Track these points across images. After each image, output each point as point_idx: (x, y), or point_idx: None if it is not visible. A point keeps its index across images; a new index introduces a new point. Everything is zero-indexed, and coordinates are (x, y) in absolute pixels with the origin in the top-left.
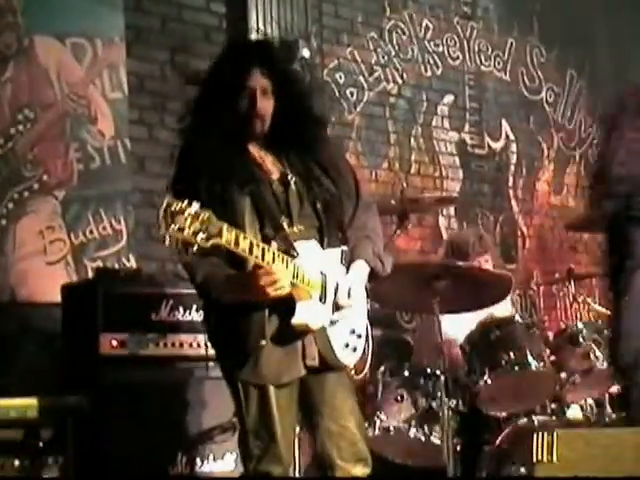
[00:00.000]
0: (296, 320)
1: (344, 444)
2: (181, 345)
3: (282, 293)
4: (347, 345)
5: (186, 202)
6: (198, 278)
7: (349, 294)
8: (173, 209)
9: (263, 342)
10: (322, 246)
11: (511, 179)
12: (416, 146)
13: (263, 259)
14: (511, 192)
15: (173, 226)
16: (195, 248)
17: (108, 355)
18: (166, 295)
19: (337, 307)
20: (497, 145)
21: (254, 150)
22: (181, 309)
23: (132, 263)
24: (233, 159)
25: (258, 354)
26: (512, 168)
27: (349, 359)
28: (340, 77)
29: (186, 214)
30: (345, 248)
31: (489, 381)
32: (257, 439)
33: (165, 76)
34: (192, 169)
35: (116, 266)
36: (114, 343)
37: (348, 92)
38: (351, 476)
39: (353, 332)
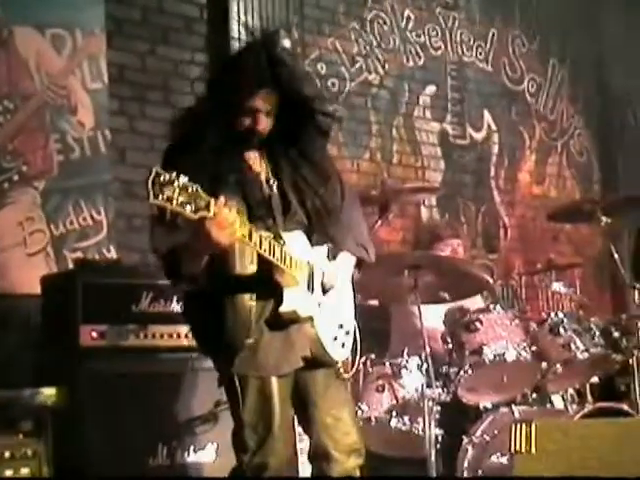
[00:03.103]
0: (284, 307)
1: (338, 435)
2: (162, 336)
3: (234, 239)
4: (336, 339)
5: (174, 174)
6: (163, 248)
7: (335, 276)
8: (162, 179)
9: (250, 340)
10: (310, 243)
11: (493, 169)
12: (398, 136)
13: (250, 239)
14: (493, 182)
15: (161, 196)
16: (179, 220)
17: (88, 346)
18: (147, 286)
19: (324, 292)
20: (479, 135)
21: (251, 155)
22: (162, 300)
23: (112, 254)
24: (225, 161)
25: (255, 345)
26: (494, 158)
27: (338, 354)
28: (322, 68)
29: (175, 185)
30: (331, 245)
31: (470, 371)
32: (254, 432)
33: (145, 67)
34: (181, 166)
35: (96, 257)
36: (94, 334)
37: (330, 83)
38: (347, 474)
39: (341, 327)
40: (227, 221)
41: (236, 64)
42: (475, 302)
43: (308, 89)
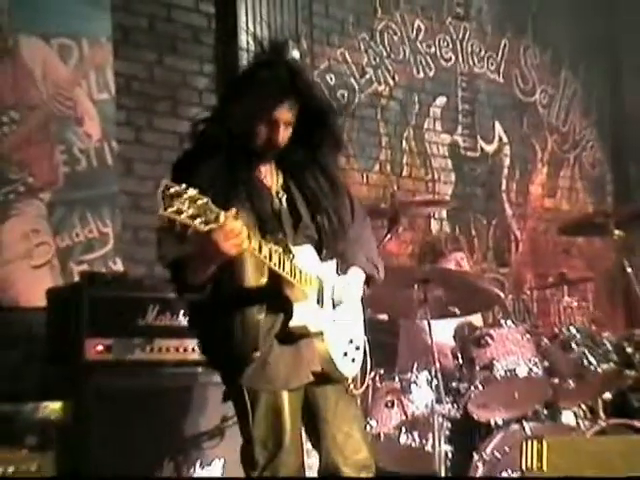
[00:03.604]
0: (294, 322)
1: (349, 451)
2: (168, 350)
3: (242, 250)
4: (346, 354)
5: (184, 185)
6: (169, 257)
7: (345, 291)
8: (172, 191)
9: (257, 353)
10: (320, 258)
11: (504, 182)
12: (408, 148)
13: (260, 251)
14: (504, 195)
15: (171, 208)
16: (189, 232)
17: (94, 360)
18: (153, 299)
19: (334, 307)
20: (490, 148)
21: (263, 168)
22: (168, 314)
23: (119, 266)
24: (238, 173)
25: (265, 359)
26: (505, 171)
27: (348, 370)
28: (331, 79)
29: (184, 197)
30: (341, 261)
31: (480, 387)
32: (264, 448)
33: (153, 77)
34: (192, 178)
35: (102, 270)
36: (100, 348)
37: (339, 94)
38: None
39: (351, 342)
40: (235, 232)
41: (255, 75)
42: (476, 317)
43: (326, 101)
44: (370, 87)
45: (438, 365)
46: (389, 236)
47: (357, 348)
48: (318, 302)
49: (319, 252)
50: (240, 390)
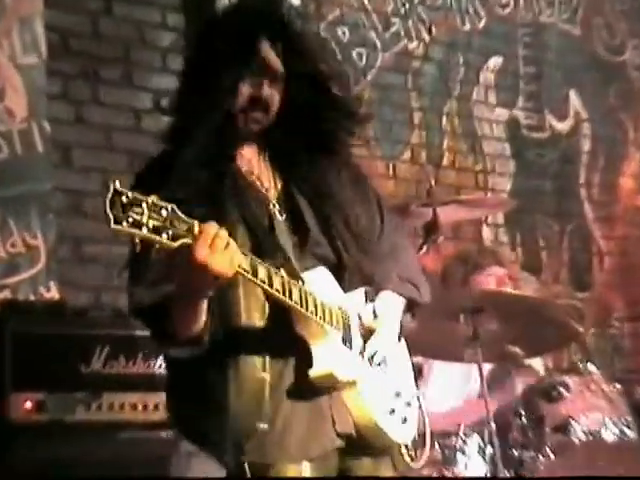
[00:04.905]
0: (316, 370)
1: None
2: (122, 408)
3: (232, 268)
4: (393, 412)
5: (140, 191)
6: (145, 301)
7: (380, 325)
8: (125, 198)
9: (263, 425)
10: (341, 287)
11: (583, 173)
12: (449, 129)
13: (255, 275)
14: (583, 191)
15: (125, 221)
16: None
17: (21, 422)
18: (101, 338)
19: (365, 339)
20: (563, 126)
21: (247, 155)
22: (122, 358)
23: (53, 293)
24: (217, 176)
25: (273, 423)
26: (584, 158)
27: (399, 433)
28: (344, 33)
29: (143, 206)
30: (369, 288)
31: (552, 456)
32: None
33: (98, 33)
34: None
35: (30, 297)
36: (28, 405)
37: (355, 54)
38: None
39: (398, 396)
40: (222, 239)
41: (228, 17)
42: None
43: (333, 62)
44: (397, 44)
45: (493, 426)
46: (424, 248)
47: (408, 404)
48: (344, 342)
49: (337, 276)
50: (240, 465)
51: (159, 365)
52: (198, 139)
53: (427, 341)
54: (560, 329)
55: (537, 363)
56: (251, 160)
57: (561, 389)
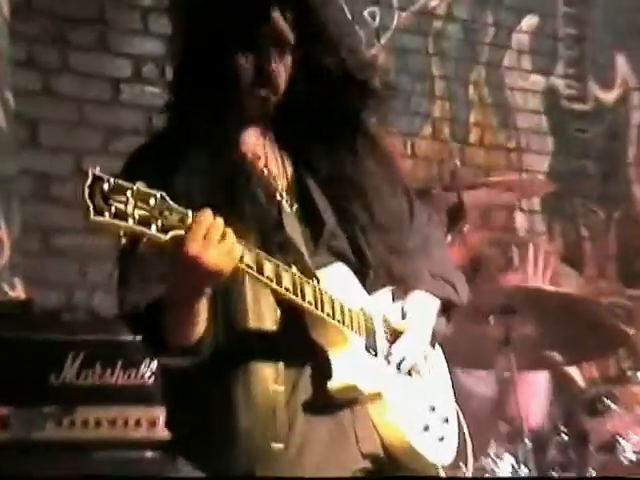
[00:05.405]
0: (336, 382)
1: None
2: (98, 424)
3: (234, 261)
4: (427, 429)
5: (125, 178)
6: (141, 304)
7: (411, 329)
8: (107, 186)
9: (278, 445)
10: (364, 287)
11: (632, 151)
12: (477, 100)
13: (261, 271)
14: (632, 172)
15: (108, 211)
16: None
17: None
18: (74, 344)
19: (392, 342)
20: (610, 96)
21: (252, 138)
22: (98, 367)
23: (18, 291)
24: (220, 164)
25: (288, 443)
26: (634, 133)
27: (435, 453)
28: None
29: (128, 193)
30: (397, 287)
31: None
32: None
33: None
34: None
35: None
36: None
37: (367, 13)
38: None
39: (433, 410)
40: (218, 230)
41: None
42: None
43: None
44: (416, 2)
45: (529, 444)
46: (449, 238)
47: (446, 420)
48: (368, 348)
49: (360, 274)
50: None
51: (141, 375)
52: (198, 121)
53: (453, 347)
54: (606, 332)
55: (575, 372)
56: (256, 144)
57: (607, 401)
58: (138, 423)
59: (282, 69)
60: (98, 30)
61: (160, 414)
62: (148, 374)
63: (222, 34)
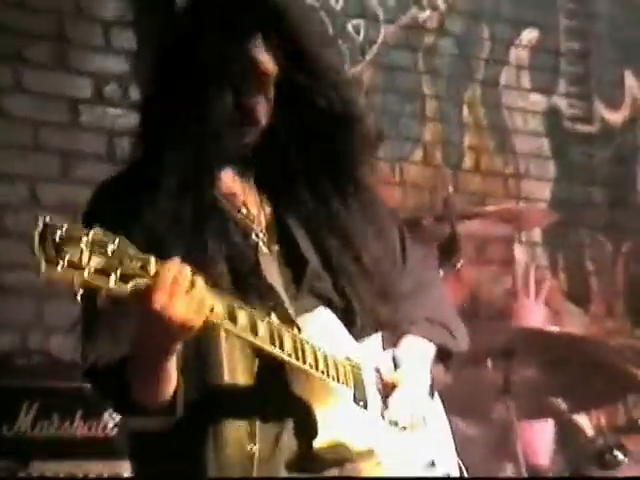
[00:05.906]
0: (322, 440)
1: None
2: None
3: (203, 314)
4: None
5: (79, 224)
6: (103, 360)
7: (404, 379)
8: (59, 234)
9: None
10: (351, 333)
11: None
12: (472, 121)
13: (234, 320)
14: None
15: (61, 261)
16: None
17: None
18: (29, 391)
19: (385, 396)
20: (617, 117)
21: (227, 177)
22: (56, 417)
23: None
24: (195, 204)
25: None
26: None
27: None
28: (336, 0)
29: (84, 242)
30: (388, 334)
31: None
32: None
33: (23, 1)
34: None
35: None
36: None
37: (351, 26)
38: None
39: (433, 465)
40: (185, 279)
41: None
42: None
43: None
44: (405, 14)
45: None
46: (441, 273)
47: (447, 476)
48: (357, 401)
49: (346, 320)
50: None
51: (104, 426)
52: (169, 155)
53: (446, 394)
54: (615, 376)
55: (585, 421)
56: (233, 182)
57: (617, 453)
58: (100, 479)
59: (263, 102)
60: (55, 46)
61: (124, 470)
62: (111, 425)
63: (197, 67)
